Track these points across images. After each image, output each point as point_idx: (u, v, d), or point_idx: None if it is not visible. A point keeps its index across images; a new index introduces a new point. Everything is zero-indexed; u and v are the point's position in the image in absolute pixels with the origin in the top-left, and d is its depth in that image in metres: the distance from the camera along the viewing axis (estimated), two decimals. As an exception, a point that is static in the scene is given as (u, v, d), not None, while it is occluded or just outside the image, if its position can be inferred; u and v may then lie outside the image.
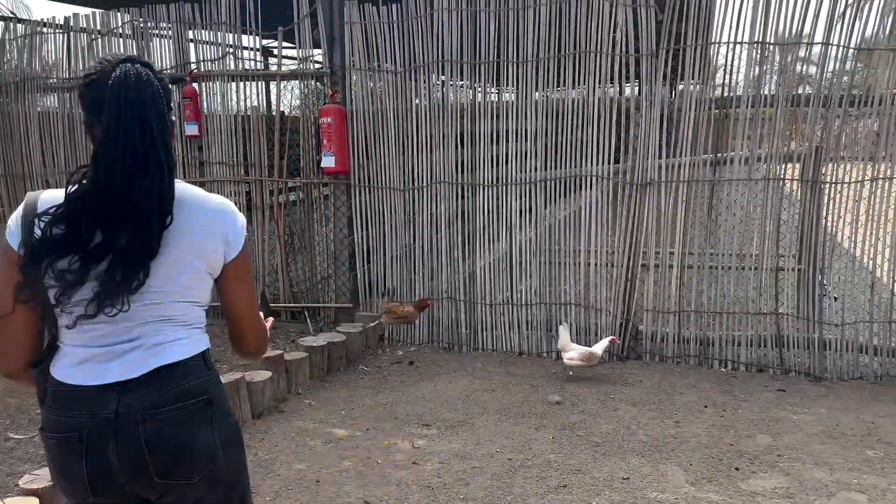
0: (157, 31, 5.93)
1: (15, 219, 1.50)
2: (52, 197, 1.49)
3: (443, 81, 5.32)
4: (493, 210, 5.22)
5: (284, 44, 5.72)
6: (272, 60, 6.10)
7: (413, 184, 5.37)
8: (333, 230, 5.69)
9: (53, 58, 6.21)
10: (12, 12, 7.85)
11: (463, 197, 5.31)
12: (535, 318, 5.20)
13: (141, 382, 1.49)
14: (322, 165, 5.45)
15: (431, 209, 5.36)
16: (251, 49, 6.03)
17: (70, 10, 13.26)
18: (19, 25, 6.28)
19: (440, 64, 5.18)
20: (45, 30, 6.14)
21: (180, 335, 1.56)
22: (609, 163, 4.91)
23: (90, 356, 1.50)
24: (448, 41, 5.11)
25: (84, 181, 1.44)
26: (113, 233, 1.43)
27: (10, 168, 6.40)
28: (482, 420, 4.04)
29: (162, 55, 5.89)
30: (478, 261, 5.29)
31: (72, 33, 6.04)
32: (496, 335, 5.31)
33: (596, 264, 5.02)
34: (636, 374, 4.75)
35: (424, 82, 5.30)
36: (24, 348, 1.55)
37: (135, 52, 5.83)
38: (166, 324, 1.54)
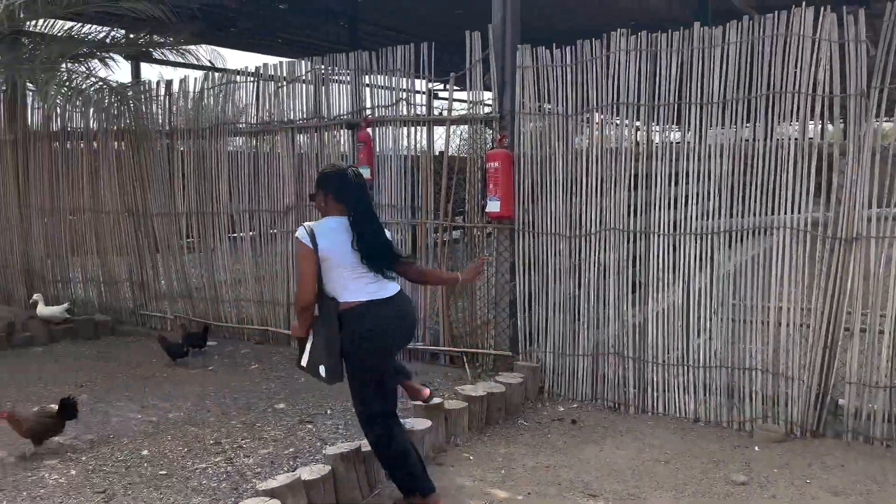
0: (335, 78, 6.20)
1: (303, 234, 3.32)
2: (330, 222, 3.40)
3: (616, 124, 5.08)
4: (668, 257, 4.84)
5: (453, 87, 5.76)
6: (439, 104, 6.18)
7: (580, 230, 5.13)
8: (495, 275, 5.56)
9: (243, 103, 6.68)
10: (211, 62, 8.64)
11: (634, 241, 4.99)
12: (713, 383, 4.72)
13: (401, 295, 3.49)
14: (487, 210, 5.37)
15: (599, 256, 5.09)
16: (422, 93, 6.12)
17: (260, 59, 14.51)
18: (216, 74, 6.83)
19: (615, 106, 4.94)
20: (238, 78, 6.64)
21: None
22: (805, 212, 4.40)
23: (370, 286, 3.35)
24: (624, 82, 4.87)
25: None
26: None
27: (202, 206, 6.92)
28: (656, 497, 3.67)
29: (340, 101, 6.14)
30: (649, 314, 4.92)
31: (261, 81, 6.47)
32: (668, 397, 4.88)
33: (788, 325, 4.48)
34: (836, 457, 4.14)
35: (597, 125, 5.08)
36: (313, 296, 3.37)
37: (315, 98, 6.18)
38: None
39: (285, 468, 3.97)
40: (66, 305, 7.11)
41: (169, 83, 7.08)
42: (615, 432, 4.59)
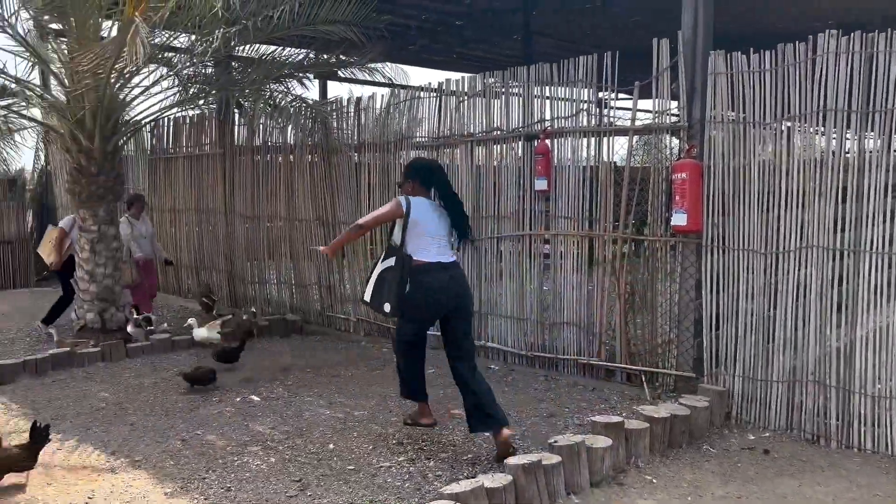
0: (514, 91, 6.26)
1: (404, 199, 4.39)
2: (422, 200, 4.46)
3: (821, 132, 4.68)
4: (881, 276, 4.37)
5: (626, 96, 5.62)
6: (620, 114, 6.04)
7: (777, 246, 4.78)
8: (679, 292, 5.32)
9: (425, 118, 6.93)
10: (391, 79, 9.06)
11: (840, 259, 4.55)
12: (936, 421, 4.19)
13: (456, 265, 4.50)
14: (672, 223, 5.16)
15: (798, 275, 4.70)
16: (602, 104, 6.03)
17: (435, 75, 15.05)
18: (402, 91, 7.16)
19: (821, 113, 4.56)
20: (421, 94, 6.91)
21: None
22: None
23: (440, 251, 4.40)
24: (832, 87, 4.48)
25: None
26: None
27: (384, 215, 7.27)
28: (868, 542, 3.32)
29: (519, 113, 6.19)
30: (857, 339, 4.46)
31: (443, 96, 6.69)
32: (879, 433, 4.39)
33: None
34: None
35: (799, 133, 4.72)
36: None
37: (494, 111, 6.29)
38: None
39: (465, 473, 4.05)
40: (217, 329, 7.18)
41: (358, 100, 7.53)
42: (814, 467, 4.21)
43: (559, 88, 5.97)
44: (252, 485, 3.98)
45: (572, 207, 5.84)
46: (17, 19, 6.73)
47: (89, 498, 3.84)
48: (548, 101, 6.03)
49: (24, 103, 7.27)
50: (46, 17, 7.02)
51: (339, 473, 4.11)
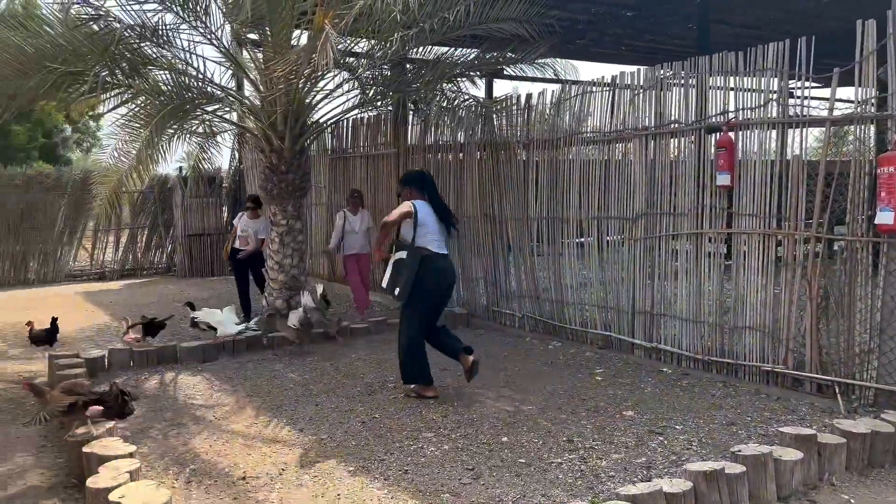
0: (691, 82, 5.98)
1: (412, 203, 5.30)
2: (424, 203, 5.38)
3: None
4: None
5: (815, 85, 5.16)
6: (815, 104, 5.57)
7: None
8: (882, 297, 4.83)
9: (598, 112, 6.81)
10: (556, 74, 8.98)
11: None
12: None
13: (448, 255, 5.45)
14: (876, 221, 4.69)
15: None
16: (790, 94, 5.60)
17: (603, 69, 14.74)
18: (573, 87, 7.09)
19: None
20: (593, 88, 6.80)
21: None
22: None
23: (439, 245, 5.33)
24: None
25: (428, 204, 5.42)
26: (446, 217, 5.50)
27: (553, 212, 7.24)
28: None
29: (698, 105, 5.91)
30: None
31: (616, 90, 6.55)
32: None
33: None
34: None
35: None
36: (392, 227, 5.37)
37: (671, 103, 6.04)
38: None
39: (638, 476, 3.95)
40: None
41: (528, 96, 7.55)
42: None
43: (744, 78, 5.63)
44: (427, 469, 4.14)
45: (757, 204, 5.49)
46: (222, 32, 7.45)
47: (282, 470, 4.18)
48: (731, 92, 5.70)
49: (227, 108, 8.02)
50: (245, 29, 7.71)
51: (511, 465, 4.17)
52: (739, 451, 3.75)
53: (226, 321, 7.12)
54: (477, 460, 4.26)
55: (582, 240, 7.04)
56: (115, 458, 3.78)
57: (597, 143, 6.87)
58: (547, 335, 7.37)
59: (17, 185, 12.48)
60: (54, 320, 6.79)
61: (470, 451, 4.39)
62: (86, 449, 3.94)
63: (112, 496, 3.31)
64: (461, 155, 8.43)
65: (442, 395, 5.52)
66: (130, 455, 3.86)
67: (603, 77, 6.75)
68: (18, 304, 10.32)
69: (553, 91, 7.33)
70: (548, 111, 7.34)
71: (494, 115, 7.83)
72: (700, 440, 4.49)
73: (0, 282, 12.34)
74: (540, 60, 8.29)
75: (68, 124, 21.74)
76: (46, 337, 6.70)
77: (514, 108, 7.76)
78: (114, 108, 7.22)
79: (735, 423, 4.78)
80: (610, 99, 6.67)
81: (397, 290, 5.31)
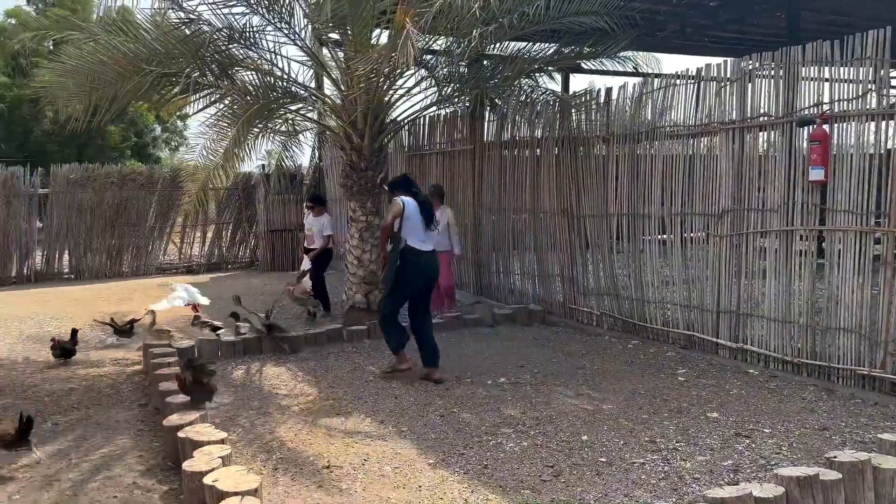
0: (780, 73, 5.75)
1: (402, 200, 5.88)
2: (411, 200, 5.93)
3: None
4: None
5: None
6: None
7: None
8: None
9: (682, 106, 6.63)
10: (635, 67, 8.79)
11: None
12: None
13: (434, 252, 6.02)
14: None
15: None
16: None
17: (684, 61, 14.33)
18: (656, 80, 6.93)
19: None
20: (677, 81, 6.63)
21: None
22: None
23: (424, 241, 5.87)
24: None
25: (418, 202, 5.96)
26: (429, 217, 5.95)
27: (633, 208, 7.11)
28: None
29: (788, 97, 5.68)
30: None
31: (702, 82, 6.36)
32: None
33: None
34: None
35: None
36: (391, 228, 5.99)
37: (764, 95, 5.82)
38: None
39: (725, 479, 3.84)
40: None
41: (609, 91, 7.43)
42: None
43: (839, 68, 5.37)
44: (507, 465, 4.14)
45: (854, 200, 5.23)
46: (305, 33, 7.65)
47: (365, 460, 4.28)
48: (826, 83, 5.45)
49: (309, 107, 8.23)
50: (326, 28, 7.88)
51: (591, 464, 4.13)
52: (835, 457, 3.58)
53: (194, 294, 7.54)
54: (557, 458, 4.24)
55: (664, 237, 6.88)
56: (208, 443, 3.95)
57: (680, 137, 6.69)
58: (626, 334, 7.24)
59: (113, 183, 13.18)
60: (74, 333, 6.99)
61: (549, 449, 4.38)
62: (181, 434, 4.13)
63: (206, 479, 3.46)
64: (538, 150, 8.37)
65: (519, 391, 5.51)
66: (222, 441, 4.02)
67: (687, 69, 6.57)
68: (114, 295, 10.92)
69: (634, 84, 7.18)
70: (629, 105, 7.19)
71: (574, 110, 7.73)
72: (790, 445, 4.32)
73: (97, 273, 13.07)
74: (620, 53, 8.15)
75: (158, 124, 22.79)
76: (69, 350, 6.77)
77: (595, 102, 7.63)
78: (203, 108, 7.53)
79: (828, 429, 4.58)
80: (694, 92, 6.48)
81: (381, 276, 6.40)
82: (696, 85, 6.43)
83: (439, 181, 10.10)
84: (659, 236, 6.96)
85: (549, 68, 8.17)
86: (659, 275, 7.03)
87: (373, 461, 4.25)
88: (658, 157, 6.83)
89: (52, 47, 15.64)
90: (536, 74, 8.23)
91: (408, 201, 5.93)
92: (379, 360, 6.55)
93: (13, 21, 20.59)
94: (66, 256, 13.11)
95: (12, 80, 19.51)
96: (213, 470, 3.58)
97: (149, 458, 4.37)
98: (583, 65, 9.04)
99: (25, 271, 12.66)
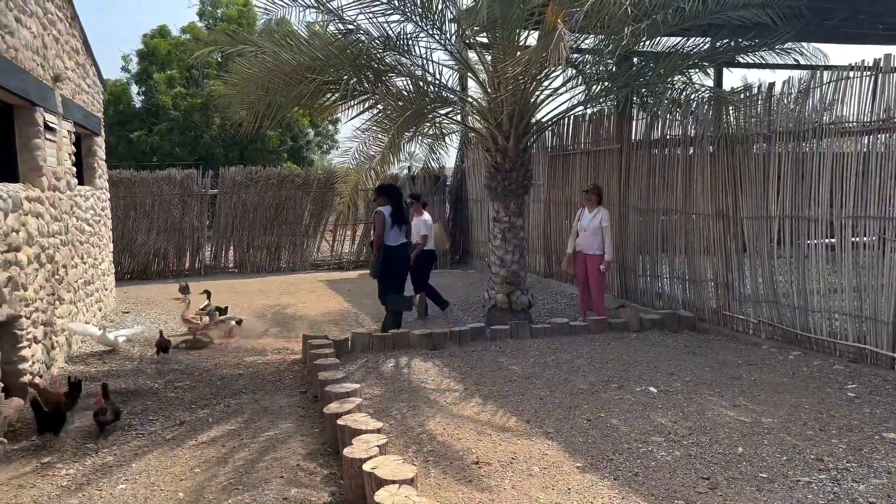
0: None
1: (385, 212, 7.63)
2: (388, 208, 7.65)
3: None
4: None
5: None
6: None
7: None
8: None
9: (856, 100, 6.13)
10: (796, 60, 8.19)
11: None
12: None
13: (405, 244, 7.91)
14: None
15: None
16: None
17: (849, 51, 13.20)
18: (825, 73, 6.46)
19: None
20: (850, 74, 6.13)
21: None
22: None
23: (395, 238, 7.74)
24: None
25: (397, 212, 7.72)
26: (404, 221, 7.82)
27: (797, 210, 6.65)
28: None
29: None
30: None
31: (880, 74, 5.84)
32: None
33: None
34: None
35: None
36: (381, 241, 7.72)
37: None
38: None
39: (906, 508, 3.52)
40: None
41: (771, 85, 7.01)
42: None
43: None
44: (658, 474, 4.04)
45: None
46: (454, 38, 7.82)
47: (512, 458, 4.32)
48: None
49: (457, 111, 8.42)
50: (474, 32, 8.02)
51: (750, 479, 3.93)
52: None
53: (84, 329, 7.36)
54: (712, 470, 4.07)
55: (831, 241, 6.38)
56: (365, 432, 4.16)
57: (853, 133, 6.18)
58: (786, 344, 6.80)
59: (273, 184, 14.14)
60: (161, 333, 7.25)
61: (704, 460, 4.21)
62: (340, 422, 4.38)
63: (366, 466, 3.65)
64: (691, 149, 8.05)
65: (670, 399, 5.34)
66: (378, 431, 4.22)
67: (863, 61, 6.06)
68: (273, 289, 11.71)
69: (799, 78, 6.72)
70: (793, 100, 6.74)
71: (731, 107, 7.36)
72: None
73: (258, 268, 14.08)
74: (783, 46, 7.66)
75: (311, 128, 24.14)
76: (165, 346, 7.09)
77: (755, 98, 7.22)
78: (358, 114, 7.90)
79: None
80: (871, 85, 5.97)
81: (372, 271, 7.88)
82: (874, 77, 5.92)
83: (584, 182, 9.99)
84: (826, 240, 6.47)
85: (704, 64, 7.81)
86: (825, 282, 6.54)
87: (520, 460, 4.29)
88: (827, 155, 6.35)
89: (220, 59, 16.97)
90: (690, 71, 7.90)
91: (386, 210, 7.58)
92: (522, 360, 6.58)
93: (188, 36, 22.57)
94: (230, 252, 14.22)
95: (187, 90, 21.40)
96: (371, 458, 3.76)
97: (310, 443, 4.66)
98: (739, 58, 8.57)
99: (196, 265, 13.87)
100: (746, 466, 4.10)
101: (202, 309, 8.42)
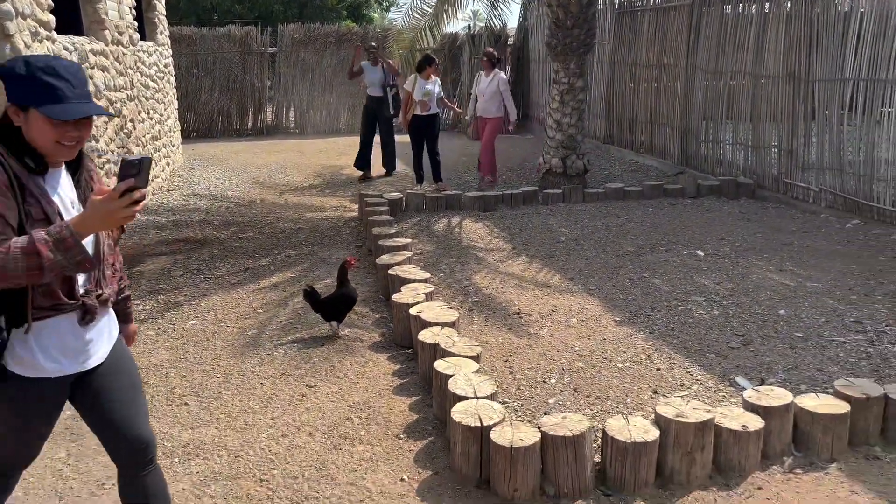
0: None
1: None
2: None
3: None
4: None
5: None
6: None
7: None
8: None
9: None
10: None
11: None
12: None
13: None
14: None
15: None
16: None
17: None
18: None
19: None
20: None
21: None
22: None
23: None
24: None
25: None
26: None
27: (875, 72, 6.26)
28: None
29: None
30: None
31: None
32: None
33: None
34: None
35: None
36: None
37: None
38: None
39: (938, 371, 3.58)
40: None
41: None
42: None
43: None
44: (694, 330, 4.17)
45: None
46: None
47: (552, 311, 4.52)
48: None
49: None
50: None
51: (785, 337, 4.03)
52: None
53: None
54: (748, 328, 4.18)
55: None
56: (414, 281, 4.40)
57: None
58: (846, 213, 6.64)
59: (331, 42, 13.95)
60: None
61: (741, 319, 4.31)
62: (391, 272, 4.63)
63: (412, 310, 3.90)
64: (766, 6, 7.52)
65: (717, 263, 5.38)
66: (425, 281, 4.46)
67: None
68: (333, 149, 11.91)
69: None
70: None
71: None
72: None
73: (318, 129, 14.23)
74: None
75: (371, -16, 23.40)
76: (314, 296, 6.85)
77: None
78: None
79: None
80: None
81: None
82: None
83: (650, 41, 9.54)
84: (902, 106, 6.12)
85: None
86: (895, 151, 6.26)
87: (560, 313, 4.49)
88: (915, 11, 5.87)
89: None
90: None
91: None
92: (572, 223, 6.65)
93: None
94: (291, 112, 14.35)
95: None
96: (417, 303, 4.01)
97: (363, 291, 4.95)
98: None
99: (259, 124, 14.10)
100: (783, 326, 4.18)
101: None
